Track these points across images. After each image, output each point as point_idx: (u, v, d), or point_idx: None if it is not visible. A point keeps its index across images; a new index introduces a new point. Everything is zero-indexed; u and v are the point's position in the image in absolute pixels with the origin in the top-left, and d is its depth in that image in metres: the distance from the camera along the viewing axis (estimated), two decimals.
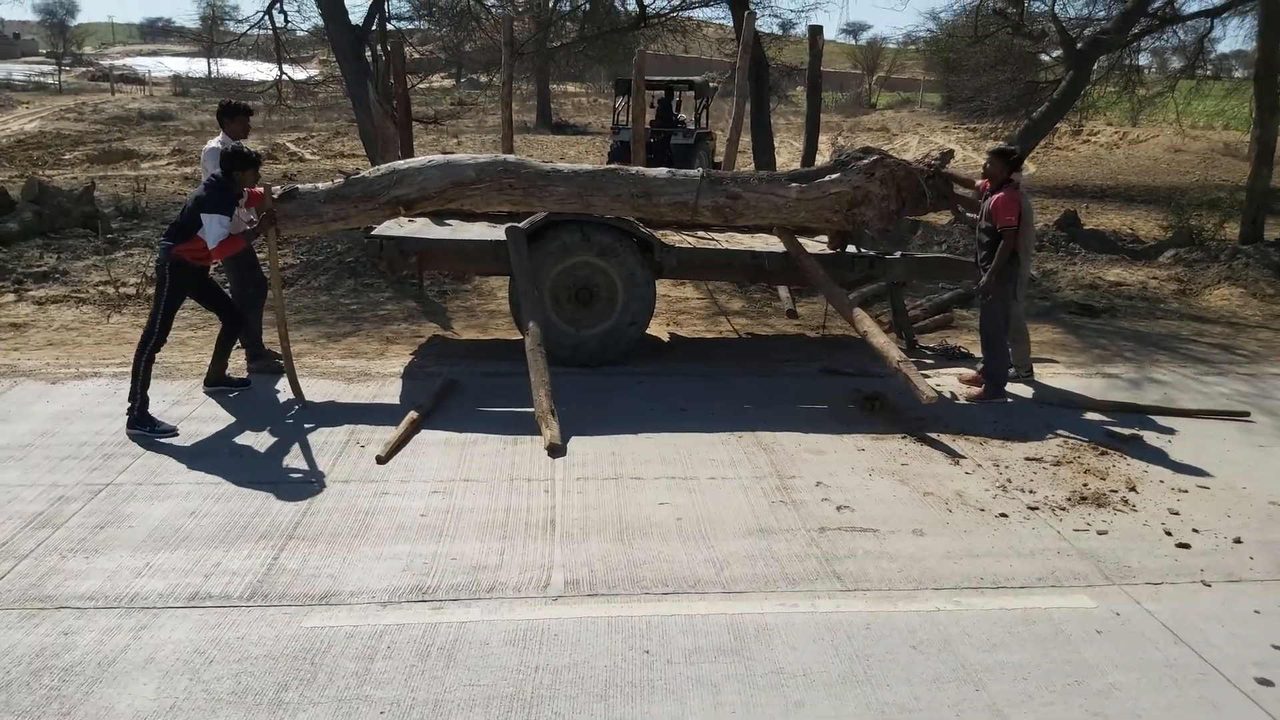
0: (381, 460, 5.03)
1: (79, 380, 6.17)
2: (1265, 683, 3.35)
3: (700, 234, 7.48)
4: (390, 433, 5.34)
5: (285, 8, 13.93)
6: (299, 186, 6.05)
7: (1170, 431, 5.90)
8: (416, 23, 24.06)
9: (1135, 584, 4.02)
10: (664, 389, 6.41)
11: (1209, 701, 3.24)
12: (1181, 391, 6.76)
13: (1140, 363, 7.48)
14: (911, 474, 5.11)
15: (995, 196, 6.21)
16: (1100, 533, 4.48)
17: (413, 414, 5.56)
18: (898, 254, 7.22)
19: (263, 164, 6.06)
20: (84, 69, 49.06)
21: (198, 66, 43.04)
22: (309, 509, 4.46)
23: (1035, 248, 8.92)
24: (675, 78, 17.08)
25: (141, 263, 9.21)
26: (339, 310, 8.30)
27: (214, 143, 6.17)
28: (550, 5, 17.45)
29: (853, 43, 64.83)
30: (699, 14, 17.41)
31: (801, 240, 6.92)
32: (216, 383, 6.06)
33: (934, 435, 5.65)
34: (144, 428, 5.28)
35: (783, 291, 8.27)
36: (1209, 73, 18.69)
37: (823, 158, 8.70)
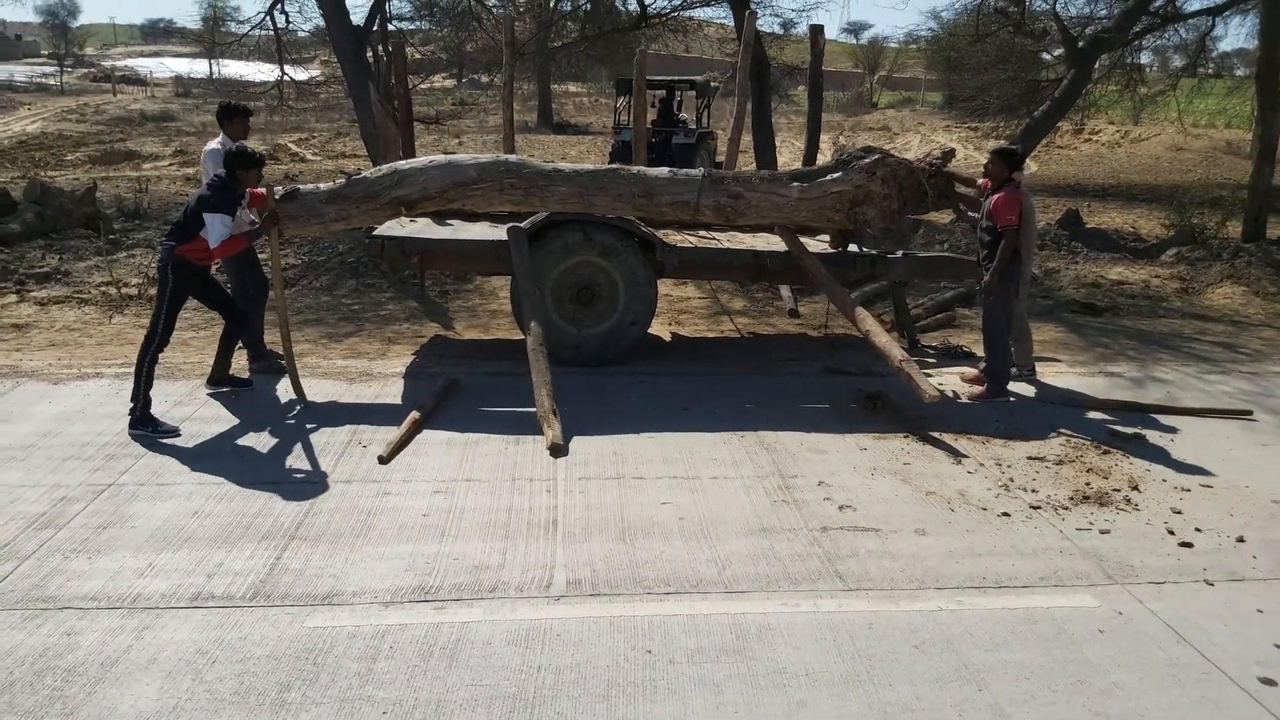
0: (384, 460, 5.04)
1: (81, 381, 6.18)
2: (1268, 682, 3.34)
3: (702, 233, 7.47)
4: (392, 433, 5.34)
5: (286, 8, 13.94)
6: (300, 187, 6.05)
7: (1173, 430, 5.90)
8: (418, 23, 24.05)
9: (1138, 583, 4.02)
10: (666, 388, 6.41)
11: (1212, 701, 3.24)
12: (1184, 390, 6.76)
13: (1143, 361, 7.47)
14: (914, 473, 5.11)
15: (996, 196, 6.20)
16: (1103, 532, 4.47)
17: (415, 414, 5.56)
18: (899, 253, 7.22)
19: (266, 165, 6.07)
20: (86, 70, 49.05)
21: (199, 67, 43.03)
22: (311, 509, 4.46)
23: (1037, 246, 8.91)
24: (677, 77, 17.09)
25: (143, 263, 9.22)
26: (341, 310, 8.31)
27: (214, 144, 6.18)
28: (551, 5, 17.47)
29: (854, 42, 64.76)
30: (700, 14, 17.43)
31: (803, 239, 6.91)
32: (219, 383, 6.06)
33: (936, 434, 5.64)
34: (146, 428, 5.28)
35: (784, 291, 8.27)
36: (1210, 71, 18.69)
37: (824, 157, 8.70)
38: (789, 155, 18.31)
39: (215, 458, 5.04)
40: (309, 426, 5.52)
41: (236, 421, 5.58)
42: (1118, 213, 15.42)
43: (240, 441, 5.30)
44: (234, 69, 35.02)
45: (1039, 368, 6.97)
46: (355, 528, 4.30)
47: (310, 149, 22.48)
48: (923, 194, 6.62)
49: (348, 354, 7.08)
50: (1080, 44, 13.92)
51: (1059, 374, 7.04)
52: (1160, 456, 5.46)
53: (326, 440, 5.32)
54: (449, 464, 5.04)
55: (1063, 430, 5.81)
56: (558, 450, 5.21)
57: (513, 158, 6.41)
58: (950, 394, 6.42)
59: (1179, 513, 4.71)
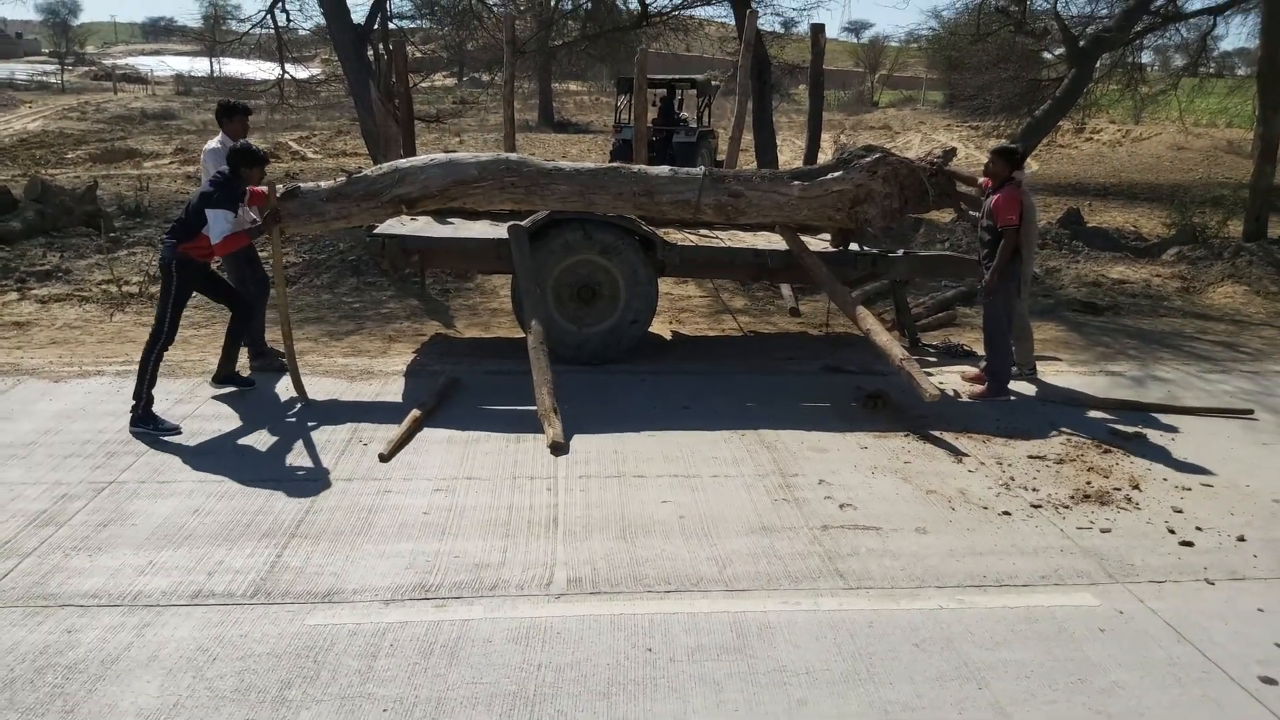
0: (384, 458, 5.04)
1: (82, 378, 6.18)
2: (1269, 681, 3.34)
3: (703, 232, 7.47)
4: (393, 431, 5.34)
5: (287, 7, 14.01)
6: (302, 185, 6.05)
7: (1173, 429, 5.89)
8: (418, 21, 24.12)
9: (1138, 582, 4.02)
10: (667, 387, 6.41)
11: (1212, 700, 3.24)
12: (1185, 389, 6.75)
13: (1143, 360, 7.47)
14: (914, 472, 5.11)
15: (996, 195, 6.20)
16: (1103, 531, 4.47)
17: (415, 412, 5.56)
18: (900, 252, 7.21)
19: (269, 163, 6.07)
20: (86, 68, 49.10)
21: (200, 66, 43.07)
22: (312, 507, 4.46)
23: (1038, 245, 8.90)
24: (677, 76, 17.10)
25: (144, 261, 9.22)
26: (341, 308, 8.31)
27: (213, 143, 6.17)
28: (552, 4, 17.47)
29: (855, 41, 64.83)
30: (701, 12, 17.40)
31: (804, 238, 6.91)
32: (225, 381, 6.05)
33: (937, 433, 5.64)
34: (147, 426, 5.28)
35: (785, 289, 8.26)
36: (1212, 70, 18.69)
37: (825, 156, 8.70)
38: (790, 154, 18.31)
39: (216, 456, 5.04)
40: (310, 424, 5.52)
41: (237, 419, 5.58)
42: (1119, 212, 15.42)
43: (241, 439, 5.30)
44: (235, 67, 35.00)
45: (1040, 366, 6.96)
46: (356, 526, 4.30)
47: (311, 147, 22.49)
48: (924, 193, 6.62)
49: (349, 352, 7.08)
50: (1081, 43, 13.92)
51: (1060, 373, 7.04)
52: (1161, 455, 5.46)
53: (327, 438, 5.32)
54: (450, 462, 5.04)
55: (1063, 429, 5.81)
56: (558, 448, 5.21)
57: (513, 156, 6.41)
58: (951, 393, 6.42)
59: (1180, 512, 4.71)
